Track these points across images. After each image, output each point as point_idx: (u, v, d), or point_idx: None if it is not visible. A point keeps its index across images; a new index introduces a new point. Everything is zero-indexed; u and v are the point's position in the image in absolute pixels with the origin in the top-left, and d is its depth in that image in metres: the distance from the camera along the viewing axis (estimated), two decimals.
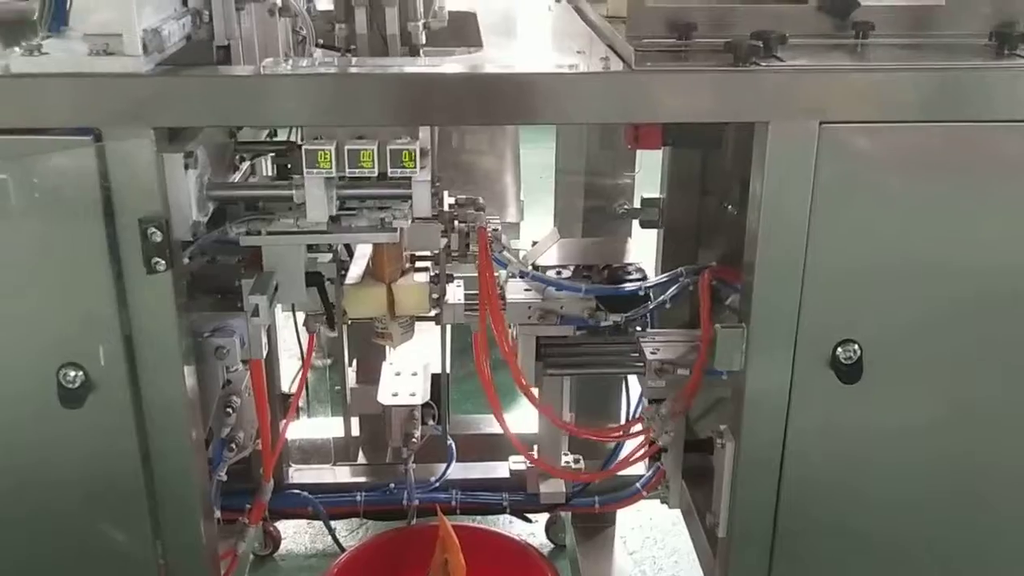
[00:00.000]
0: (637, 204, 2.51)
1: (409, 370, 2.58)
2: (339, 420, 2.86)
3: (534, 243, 2.32)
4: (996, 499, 1.93)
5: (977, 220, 1.74)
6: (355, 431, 2.90)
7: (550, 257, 2.26)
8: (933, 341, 1.81)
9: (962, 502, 1.92)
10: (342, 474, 2.72)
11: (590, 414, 2.75)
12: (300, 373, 2.45)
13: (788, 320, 1.77)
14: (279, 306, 2.25)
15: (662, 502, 2.42)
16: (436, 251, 2.10)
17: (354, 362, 2.88)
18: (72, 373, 1.69)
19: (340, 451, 2.85)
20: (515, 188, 3.81)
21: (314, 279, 2.04)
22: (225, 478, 2.08)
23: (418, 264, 2.21)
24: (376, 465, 2.76)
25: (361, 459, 2.87)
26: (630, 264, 2.24)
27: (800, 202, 1.69)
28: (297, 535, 3.09)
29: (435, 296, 2.16)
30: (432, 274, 2.16)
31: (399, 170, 1.66)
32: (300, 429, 2.93)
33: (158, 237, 1.62)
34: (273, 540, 2.99)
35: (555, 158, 2.74)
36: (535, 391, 2.33)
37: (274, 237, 1.85)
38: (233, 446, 2.06)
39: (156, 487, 1.81)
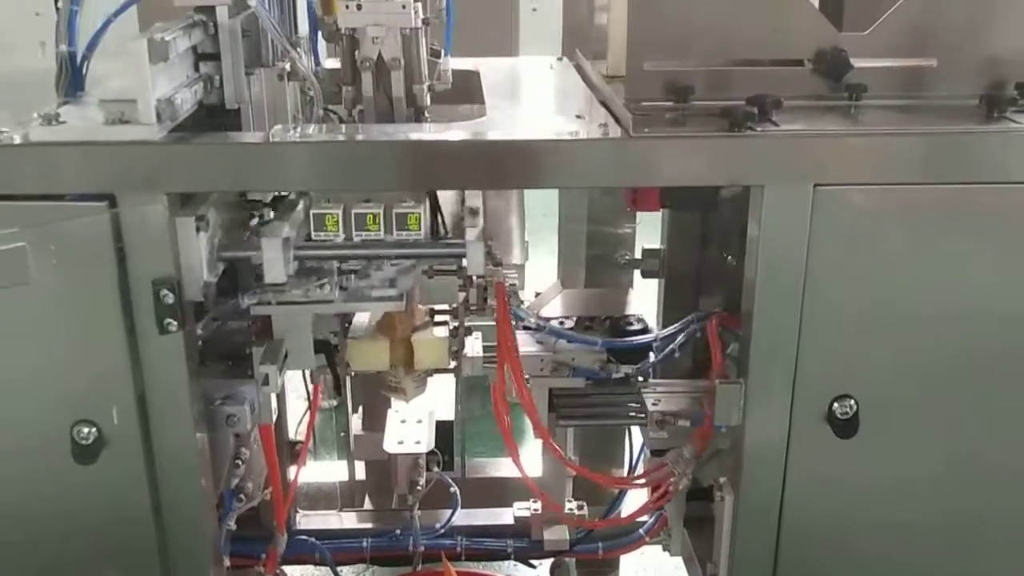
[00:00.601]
0: (638, 254, 2.55)
1: (414, 417, 2.62)
2: (344, 463, 2.89)
3: (537, 294, 2.36)
4: (991, 553, 1.96)
5: (970, 276, 1.78)
6: (361, 475, 2.93)
7: (554, 308, 2.30)
8: (929, 395, 1.85)
9: (958, 556, 1.95)
10: (348, 520, 2.74)
11: (593, 461, 2.78)
12: (307, 418, 2.49)
13: (785, 374, 1.81)
14: None
15: (664, 549, 2.45)
16: (454, 305, 2.13)
17: (360, 408, 2.91)
18: (86, 430, 1.74)
19: (346, 496, 2.87)
20: (520, 230, 3.85)
21: (322, 346, 2.09)
22: (234, 527, 2.11)
23: (437, 318, 2.23)
24: (382, 511, 2.78)
25: (367, 504, 2.90)
26: (632, 315, 2.27)
27: (796, 260, 1.74)
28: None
29: (454, 349, 2.18)
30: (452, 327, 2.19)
31: (404, 232, 1.71)
32: (306, 474, 2.95)
33: (170, 299, 1.67)
34: None
35: (558, 206, 2.79)
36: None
37: (284, 307, 1.90)
38: (242, 496, 2.09)
39: (167, 538, 1.86)
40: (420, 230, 1.71)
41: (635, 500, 2.70)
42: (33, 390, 1.74)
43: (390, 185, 1.70)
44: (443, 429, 2.57)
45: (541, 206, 3.63)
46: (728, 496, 1.91)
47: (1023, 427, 1.87)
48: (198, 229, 1.70)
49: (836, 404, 1.82)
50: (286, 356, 1.98)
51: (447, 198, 1.98)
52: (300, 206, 1.89)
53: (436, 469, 2.57)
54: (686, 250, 2.52)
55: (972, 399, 1.84)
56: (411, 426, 2.58)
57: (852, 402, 1.82)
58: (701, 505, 2.31)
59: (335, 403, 3.53)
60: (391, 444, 2.50)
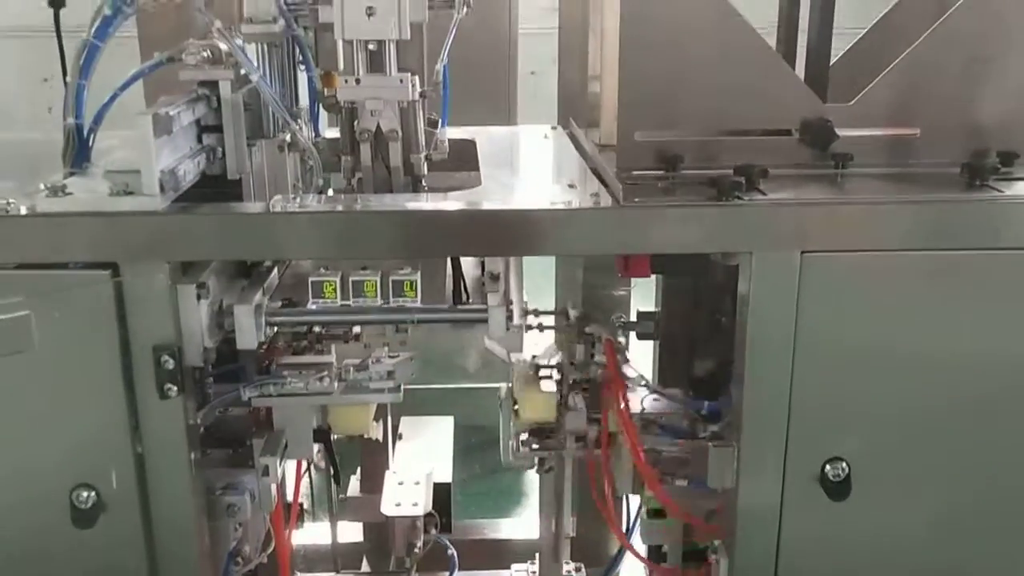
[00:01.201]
0: (633, 317, 2.58)
1: (412, 479, 2.63)
2: (342, 525, 2.90)
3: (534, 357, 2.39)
4: None
5: (956, 336, 1.80)
6: (353, 537, 2.93)
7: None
8: (918, 454, 1.86)
9: None
10: None
11: (592, 520, 2.79)
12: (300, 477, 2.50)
13: (777, 436, 1.83)
14: None
15: None
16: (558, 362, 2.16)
17: (358, 470, 2.93)
18: (85, 494, 1.76)
19: (344, 557, 2.87)
20: (518, 293, 3.89)
21: (321, 436, 2.11)
22: None
23: (542, 372, 2.22)
24: (379, 574, 2.78)
25: (365, 567, 2.90)
26: None
27: (785, 324, 1.77)
28: None
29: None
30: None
31: (400, 300, 1.75)
32: (303, 535, 2.95)
33: (171, 364, 1.70)
34: None
35: (554, 269, 2.83)
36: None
37: (284, 399, 1.94)
38: (239, 560, 2.10)
39: None
40: (416, 297, 1.75)
41: (633, 562, 2.71)
42: (34, 453, 1.76)
43: (388, 254, 1.75)
44: (440, 490, 2.59)
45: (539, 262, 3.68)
46: (723, 559, 1.92)
47: (1012, 477, 1.89)
48: (199, 297, 1.73)
49: (828, 466, 1.84)
50: (286, 446, 2.02)
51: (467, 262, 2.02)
52: (274, 272, 1.94)
53: (433, 532, 2.58)
54: (681, 312, 2.55)
55: (961, 454, 1.86)
56: (408, 488, 2.60)
57: (844, 464, 1.83)
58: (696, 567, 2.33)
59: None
60: (388, 507, 2.52)
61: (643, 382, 2.15)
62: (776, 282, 1.74)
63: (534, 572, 2.62)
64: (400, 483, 2.62)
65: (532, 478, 2.73)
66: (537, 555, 2.65)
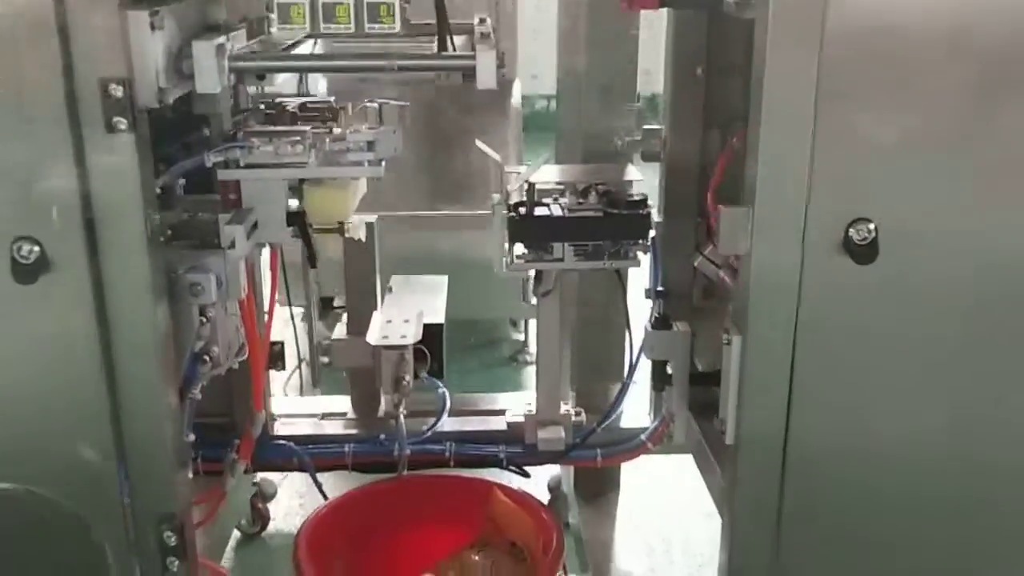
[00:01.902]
0: None
1: (401, 318, 2.46)
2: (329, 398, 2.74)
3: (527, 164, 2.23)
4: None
5: None
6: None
7: (547, 175, 2.16)
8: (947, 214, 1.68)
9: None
10: (330, 427, 2.57)
11: (591, 372, 2.62)
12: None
13: (796, 196, 1.64)
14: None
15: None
16: None
17: (343, 315, 2.75)
18: (27, 247, 1.58)
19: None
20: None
21: (295, 218, 1.95)
22: (199, 396, 1.94)
23: None
24: (365, 419, 2.61)
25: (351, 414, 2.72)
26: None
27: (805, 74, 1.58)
28: (288, 516, 2.93)
29: None
30: None
31: (376, 25, 1.57)
32: (287, 404, 2.78)
33: (119, 93, 1.52)
34: (262, 518, 2.83)
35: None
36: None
37: (253, 171, 1.77)
38: (206, 358, 1.92)
39: (119, 401, 1.69)
40: (395, 23, 1.56)
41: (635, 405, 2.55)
42: None
43: None
44: (432, 332, 2.41)
45: None
46: (735, 337, 1.73)
47: None
48: (152, 26, 1.55)
49: (852, 230, 1.66)
50: (255, 226, 1.84)
51: None
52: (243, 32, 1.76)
53: (424, 375, 2.41)
54: (688, 131, 2.38)
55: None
56: (397, 325, 2.43)
57: (871, 226, 1.65)
58: (705, 392, 2.16)
59: (325, 360, 3.38)
60: (375, 338, 2.35)
61: None
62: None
63: (530, 411, 2.44)
64: (388, 321, 2.45)
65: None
66: (534, 399, 2.48)
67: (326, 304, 2.72)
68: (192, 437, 1.93)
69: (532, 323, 3.46)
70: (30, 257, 1.57)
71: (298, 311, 2.58)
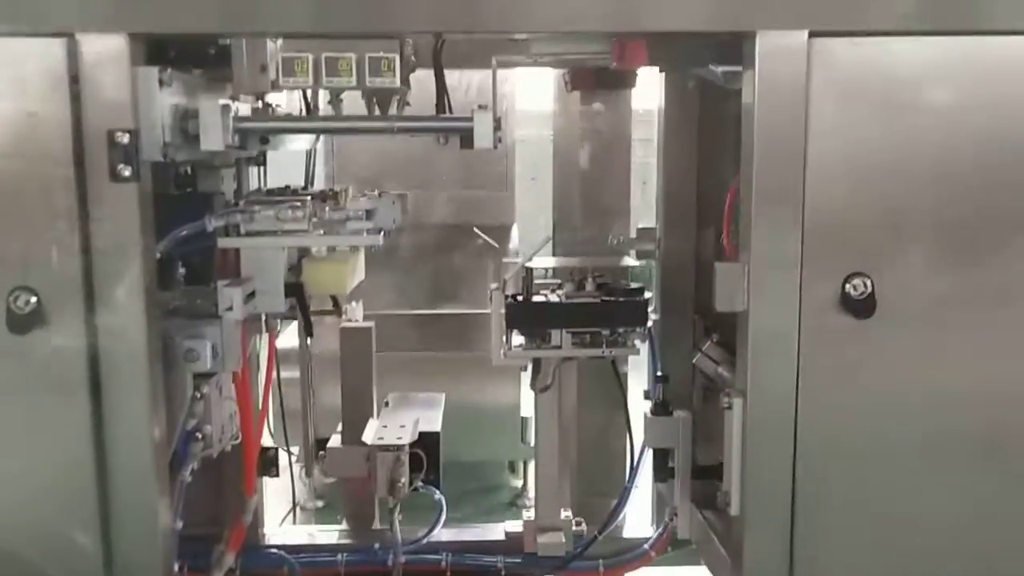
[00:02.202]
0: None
1: (397, 423, 2.43)
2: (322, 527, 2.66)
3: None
4: None
5: None
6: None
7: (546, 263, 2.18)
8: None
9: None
10: (323, 537, 2.48)
11: (592, 478, 2.56)
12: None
13: (792, 250, 1.66)
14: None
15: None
16: None
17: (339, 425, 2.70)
18: (24, 298, 1.58)
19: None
20: None
21: (293, 289, 1.95)
22: (190, 478, 1.88)
23: None
24: (360, 529, 2.52)
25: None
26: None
27: (794, 126, 1.63)
28: None
29: None
30: None
31: (378, 80, 1.62)
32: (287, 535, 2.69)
33: (125, 140, 1.56)
34: None
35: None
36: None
37: (253, 240, 1.79)
38: (199, 436, 1.87)
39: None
40: (395, 76, 1.61)
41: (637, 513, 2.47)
42: None
43: (364, 25, 1.61)
44: (429, 439, 2.37)
45: None
46: (736, 400, 1.70)
47: None
48: (161, 83, 1.61)
49: (848, 285, 1.66)
50: (253, 294, 1.85)
51: None
52: None
53: (420, 483, 2.35)
54: (682, 229, 2.41)
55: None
56: (393, 429, 2.39)
57: (867, 281, 1.66)
58: (707, 485, 2.10)
59: (320, 504, 3.32)
60: (370, 438, 2.30)
61: None
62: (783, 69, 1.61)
63: (530, 517, 2.36)
64: (384, 426, 2.41)
65: None
66: (534, 507, 2.40)
67: (321, 446, 2.69)
68: (180, 524, 1.86)
69: (531, 467, 3.39)
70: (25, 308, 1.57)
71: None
